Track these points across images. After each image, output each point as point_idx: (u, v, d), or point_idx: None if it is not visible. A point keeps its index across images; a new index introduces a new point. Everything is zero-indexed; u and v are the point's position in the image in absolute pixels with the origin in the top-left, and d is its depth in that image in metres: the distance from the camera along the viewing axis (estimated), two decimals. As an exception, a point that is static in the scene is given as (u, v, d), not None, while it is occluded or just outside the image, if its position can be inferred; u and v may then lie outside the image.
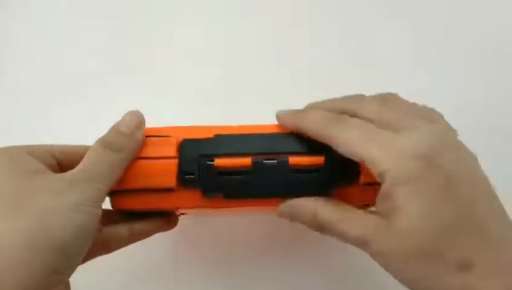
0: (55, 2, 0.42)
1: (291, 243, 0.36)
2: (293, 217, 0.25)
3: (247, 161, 0.25)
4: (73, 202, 0.21)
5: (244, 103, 0.39)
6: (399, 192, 0.20)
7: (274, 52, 0.40)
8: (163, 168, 0.25)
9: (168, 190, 0.25)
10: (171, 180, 0.25)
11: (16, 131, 0.39)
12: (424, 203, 0.20)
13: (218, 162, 0.25)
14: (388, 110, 0.23)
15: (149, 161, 0.25)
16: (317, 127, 0.24)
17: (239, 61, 0.40)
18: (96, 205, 0.22)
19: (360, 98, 0.25)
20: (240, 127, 0.27)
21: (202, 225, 0.29)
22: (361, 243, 0.22)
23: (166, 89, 0.40)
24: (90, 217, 0.22)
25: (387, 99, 0.25)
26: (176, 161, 0.25)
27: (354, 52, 0.40)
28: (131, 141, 0.25)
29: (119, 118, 0.26)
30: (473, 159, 0.22)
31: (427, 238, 0.19)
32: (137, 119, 0.26)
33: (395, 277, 0.21)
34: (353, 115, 0.24)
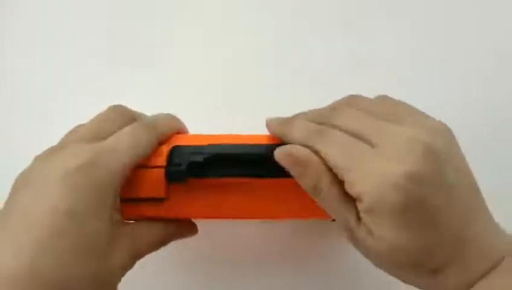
0: (55, 1, 0.42)
1: (292, 248, 0.36)
2: (293, 167, 0.24)
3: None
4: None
5: (244, 105, 0.39)
6: (374, 218, 0.21)
7: (274, 53, 0.40)
8: (152, 178, 0.25)
9: (159, 200, 0.25)
10: (160, 190, 0.25)
11: (16, 130, 0.39)
12: (399, 231, 0.21)
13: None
14: (365, 120, 0.23)
15: (138, 170, 0.25)
16: (301, 140, 0.24)
17: (239, 62, 0.40)
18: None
19: (342, 106, 0.25)
20: (234, 136, 0.27)
21: (200, 227, 0.29)
22: (349, 239, 0.23)
23: (166, 88, 0.40)
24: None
25: (358, 107, 0.24)
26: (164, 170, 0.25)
27: (354, 53, 0.40)
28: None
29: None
30: (456, 165, 0.22)
31: (403, 258, 0.21)
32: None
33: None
34: (334, 126, 0.23)
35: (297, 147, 0.23)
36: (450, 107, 0.37)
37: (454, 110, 0.37)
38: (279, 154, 0.24)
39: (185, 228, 0.28)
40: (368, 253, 0.23)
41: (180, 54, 0.40)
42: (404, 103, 0.25)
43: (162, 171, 0.25)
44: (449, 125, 0.24)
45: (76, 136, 0.25)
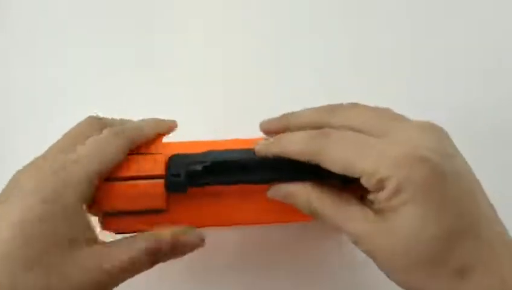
0: (55, 2, 0.42)
1: (292, 249, 0.35)
2: (285, 201, 0.24)
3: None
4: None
5: (244, 105, 0.39)
6: (400, 198, 0.19)
7: (274, 53, 0.40)
8: (151, 190, 0.25)
9: (158, 211, 0.25)
10: (160, 202, 0.25)
11: (16, 131, 0.39)
12: (425, 209, 0.19)
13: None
14: (364, 115, 0.23)
15: (137, 182, 0.25)
16: (301, 150, 0.23)
17: (239, 62, 0.40)
18: None
19: (331, 108, 0.25)
20: (234, 141, 0.27)
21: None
22: (356, 240, 0.21)
23: (165, 88, 0.40)
24: None
25: (356, 106, 0.24)
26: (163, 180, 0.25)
27: (353, 55, 0.40)
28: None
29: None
30: (460, 155, 0.22)
31: (429, 245, 0.19)
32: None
33: (392, 279, 0.20)
34: (331, 127, 0.23)
35: (282, 186, 0.24)
36: (449, 108, 0.37)
37: (453, 111, 0.37)
38: (269, 194, 0.25)
39: (178, 248, 0.25)
40: (379, 253, 0.20)
41: (180, 54, 0.40)
42: (404, 116, 0.24)
43: (161, 182, 0.25)
44: (450, 123, 0.23)
45: (42, 160, 0.24)
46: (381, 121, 0.22)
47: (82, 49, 0.41)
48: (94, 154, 0.23)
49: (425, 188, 0.19)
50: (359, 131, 0.22)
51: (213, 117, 0.38)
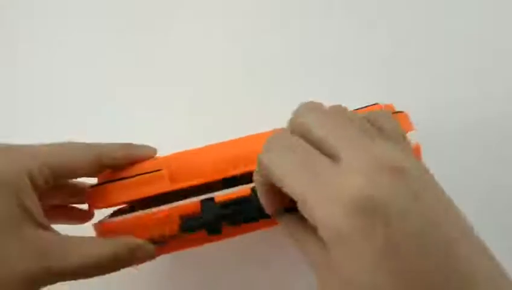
0: (56, 5, 0.42)
1: (283, 263, 0.35)
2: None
3: (246, 190, 0.25)
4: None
5: (244, 105, 0.39)
6: (333, 249, 0.17)
7: (274, 52, 0.40)
8: (165, 220, 0.24)
9: (171, 237, 0.25)
10: (173, 229, 0.25)
11: (17, 131, 0.39)
12: (361, 264, 0.16)
13: (218, 197, 0.25)
14: (339, 127, 0.19)
15: (151, 214, 0.24)
16: (258, 171, 0.21)
17: (239, 62, 0.40)
18: None
19: (314, 108, 0.21)
20: (234, 141, 0.27)
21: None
22: (313, 271, 0.20)
23: (165, 88, 0.40)
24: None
25: (349, 114, 0.21)
26: (177, 210, 0.25)
27: (351, 52, 0.40)
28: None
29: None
30: (430, 184, 0.18)
31: None
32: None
33: None
34: (301, 133, 0.20)
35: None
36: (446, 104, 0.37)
37: (447, 107, 0.37)
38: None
39: (140, 251, 0.25)
40: (329, 283, 0.18)
41: (181, 53, 0.41)
42: (394, 124, 0.21)
43: (176, 211, 0.25)
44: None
45: None
46: (340, 134, 0.19)
47: (82, 48, 0.41)
48: (52, 148, 0.24)
49: (360, 243, 0.16)
50: (314, 142, 0.19)
51: (212, 116, 0.38)
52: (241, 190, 0.25)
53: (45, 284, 0.21)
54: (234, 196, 0.25)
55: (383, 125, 0.20)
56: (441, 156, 0.35)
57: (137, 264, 0.25)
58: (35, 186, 0.22)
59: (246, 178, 0.25)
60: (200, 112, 0.38)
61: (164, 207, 0.25)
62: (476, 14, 0.41)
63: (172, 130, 0.37)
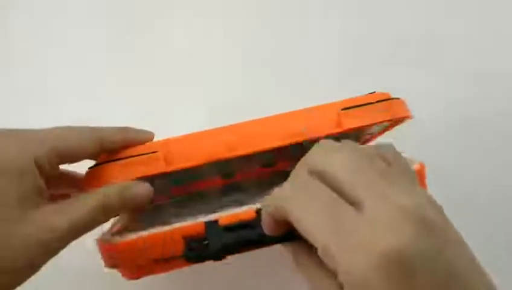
0: (57, 6, 0.42)
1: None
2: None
3: (250, 213, 0.24)
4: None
5: (244, 104, 0.39)
6: None
7: (274, 52, 0.41)
8: (168, 241, 0.24)
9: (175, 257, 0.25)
10: (177, 251, 0.25)
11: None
12: None
13: (223, 219, 0.24)
14: (360, 171, 0.19)
15: (155, 234, 0.24)
16: (271, 210, 0.21)
17: (239, 62, 0.40)
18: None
19: (331, 148, 0.21)
20: (230, 126, 0.26)
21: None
22: None
23: (165, 87, 0.40)
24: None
25: (365, 153, 0.21)
26: (180, 231, 0.24)
27: (351, 52, 0.40)
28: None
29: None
30: (454, 237, 0.18)
31: None
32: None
33: None
34: (321, 176, 0.20)
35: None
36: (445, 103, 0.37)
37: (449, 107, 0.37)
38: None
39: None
40: None
41: (181, 53, 0.41)
42: (403, 159, 0.22)
43: (178, 232, 0.24)
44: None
45: None
46: (362, 180, 0.19)
47: (83, 47, 0.41)
48: (60, 133, 0.24)
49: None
50: (334, 185, 0.19)
51: (213, 116, 0.38)
52: (245, 212, 0.25)
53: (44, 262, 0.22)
54: (239, 219, 0.24)
55: (394, 161, 0.21)
56: (440, 156, 0.35)
57: (134, 204, 0.25)
58: (42, 171, 0.23)
59: (242, 162, 0.25)
60: (200, 109, 0.38)
61: (167, 228, 0.25)
62: (476, 14, 0.41)
63: (171, 129, 0.37)
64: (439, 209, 0.19)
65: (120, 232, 0.25)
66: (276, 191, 0.21)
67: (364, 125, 0.25)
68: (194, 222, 0.24)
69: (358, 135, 0.31)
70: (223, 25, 0.41)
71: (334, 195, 0.19)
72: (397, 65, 0.40)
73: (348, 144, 0.22)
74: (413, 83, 0.39)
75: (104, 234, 0.26)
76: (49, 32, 0.41)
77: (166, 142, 0.26)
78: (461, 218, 0.21)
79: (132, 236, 0.24)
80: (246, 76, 0.40)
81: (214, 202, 0.29)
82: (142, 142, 0.27)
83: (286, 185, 0.21)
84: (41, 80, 0.40)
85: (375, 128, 0.30)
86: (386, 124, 0.28)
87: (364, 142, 0.33)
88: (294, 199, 0.20)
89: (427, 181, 0.25)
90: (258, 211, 0.24)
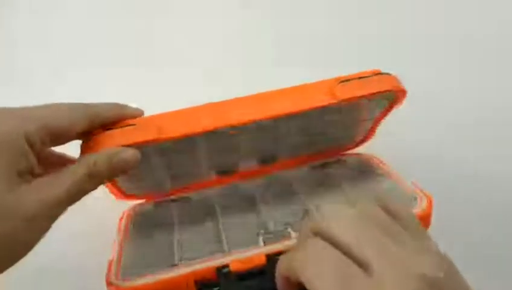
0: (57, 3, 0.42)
1: None
2: None
3: (261, 258, 0.25)
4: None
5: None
6: None
7: (273, 52, 0.41)
8: (180, 285, 0.25)
9: None
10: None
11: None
12: None
13: (234, 265, 0.25)
14: (366, 232, 0.20)
15: (165, 279, 0.25)
16: (283, 269, 0.22)
17: (239, 62, 0.40)
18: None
19: (337, 211, 0.22)
20: (221, 102, 0.27)
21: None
22: None
23: (165, 87, 0.40)
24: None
25: (368, 214, 0.21)
26: (192, 276, 0.25)
27: (351, 52, 0.40)
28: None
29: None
30: None
31: None
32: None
33: None
34: (329, 237, 0.20)
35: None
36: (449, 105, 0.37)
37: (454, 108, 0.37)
38: None
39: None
40: None
41: (181, 52, 0.41)
42: (415, 219, 0.22)
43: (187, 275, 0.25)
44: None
45: None
46: (369, 242, 0.20)
47: (82, 47, 0.41)
48: (51, 109, 0.24)
49: None
50: (343, 248, 0.20)
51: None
52: (256, 257, 0.25)
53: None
54: (250, 266, 0.25)
55: (397, 214, 0.21)
56: (440, 156, 0.35)
57: (122, 170, 0.25)
58: (33, 148, 0.23)
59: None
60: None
61: (179, 271, 0.25)
62: (476, 14, 0.41)
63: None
64: (447, 266, 0.19)
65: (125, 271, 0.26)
66: (289, 253, 0.22)
67: (358, 96, 0.26)
68: (205, 266, 0.25)
69: (357, 117, 0.31)
70: (222, 25, 0.41)
71: (343, 257, 0.19)
72: (397, 65, 0.40)
73: (350, 207, 0.22)
74: (413, 83, 0.39)
75: (112, 276, 0.26)
76: (49, 33, 0.41)
77: (160, 115, 0.27)
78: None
79: (142, 280, 0.25)
80: (245, 75, 0.40)
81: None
82: (134, 118, 0.28)
83: (298, 246, 0.22)
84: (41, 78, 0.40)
85: (374, 110, 0.30)
86: (384, 102, 0.29)
87: (367, 132, 0.33)
88: (305, 260, 0.20)
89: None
90: (269, 257, 0.25)
